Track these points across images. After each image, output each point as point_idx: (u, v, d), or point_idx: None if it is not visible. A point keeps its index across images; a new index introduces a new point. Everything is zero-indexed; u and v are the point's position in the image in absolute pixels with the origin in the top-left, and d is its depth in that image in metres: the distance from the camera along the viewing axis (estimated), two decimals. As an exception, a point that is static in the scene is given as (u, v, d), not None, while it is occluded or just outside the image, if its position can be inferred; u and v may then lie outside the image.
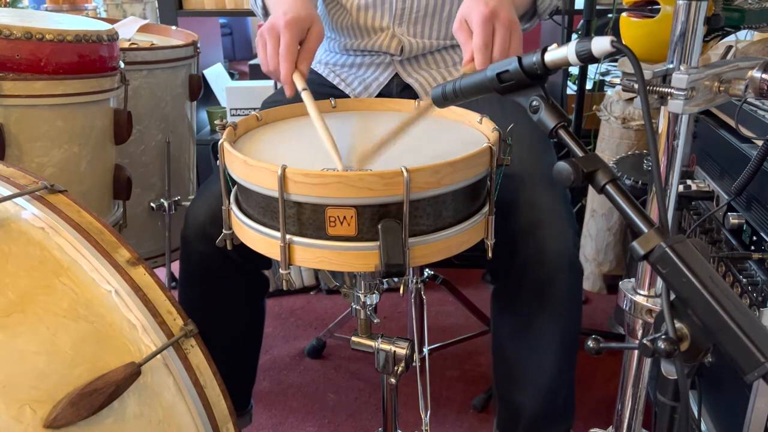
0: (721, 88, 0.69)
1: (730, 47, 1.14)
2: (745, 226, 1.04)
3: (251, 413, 1.37)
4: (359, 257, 0.73)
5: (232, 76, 2.75)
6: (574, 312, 1.03)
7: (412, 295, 1.33)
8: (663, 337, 0.57)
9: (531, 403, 1.07)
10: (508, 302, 1.07)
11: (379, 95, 1.27)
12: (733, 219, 1.04)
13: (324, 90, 1.28)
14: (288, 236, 0.74)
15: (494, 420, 1.16)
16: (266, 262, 1.18)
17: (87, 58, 1.05)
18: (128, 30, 1.49)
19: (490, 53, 0.90)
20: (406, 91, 1.26)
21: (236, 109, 2.12)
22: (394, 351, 0.90)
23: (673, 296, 0.57)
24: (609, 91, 1.93)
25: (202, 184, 1.18)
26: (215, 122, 1.14)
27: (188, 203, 1.50)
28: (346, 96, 1.27)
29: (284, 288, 0.78)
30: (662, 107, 0.72)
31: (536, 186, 1.00)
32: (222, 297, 1.14)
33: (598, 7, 1.87)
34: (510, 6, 0.93)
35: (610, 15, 1.93)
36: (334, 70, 1.30)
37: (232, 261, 1.06)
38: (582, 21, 1.87)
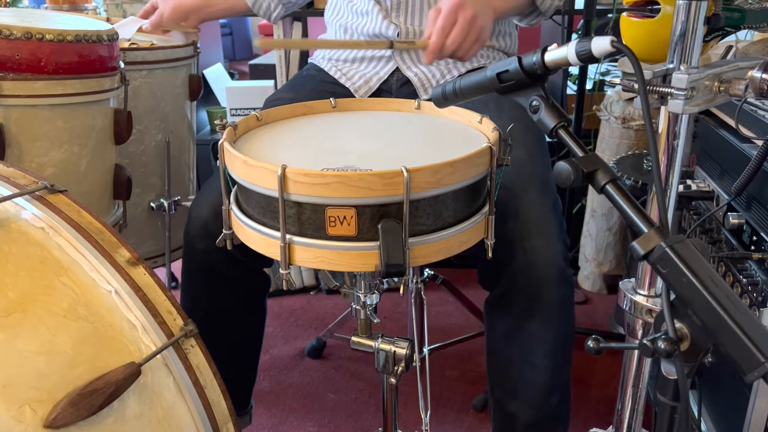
0: (721, 88, 0.69)
1: (730, 47, 1.14)
2: (745, 226, 1.04)
3: (251, 413, 1.36)
4: (359, 257, 0.73)
5: (232, 76, 2.75)
6: (565, 318, 1.03)
7: (412, 295, 1.33)
8: (663, 337, 0.57)
9: (525, 409, 1.06)
10: (499, 308, 1.07)
11: (378, 90, 1.27)
12: (733, 219, 1.04)
13: (326, 86, 1.29)
14: (288, 236, 0.74)
15: (491, 427, 1.16)
16: (268, 259, 1.18)
17: (87, 58, 1.05)
18: (128, 30, 1.49)
19: (445, 38, 1.01)
20: (406, 87, 1.26)
21: (236, 109, 2.12)
22: (394, 351, 0.90)
23: (673, 296, 0.57)
24: (609, 91, 1.93)
25: (204, 182, 1.18)
26: (215, 122, 1.14)
27: (188, 203, 1.50)
28: (346, 90, 1.27)
29: (284, 288, 0.78)
30: (662, 107, 0.72)
31: (526, 196, 1.00)
32: (224, 294, 1.14)
33: (598, 7, 1.87)
34: (483, 9, 1.03)
35: (610, 15, 1.93)
36: (336, 65, 1.32)
37: (234, 258, 1.06)
38: (582, 21, 1.88)
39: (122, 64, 1.18)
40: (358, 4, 1.29)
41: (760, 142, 0.98)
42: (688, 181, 1.21)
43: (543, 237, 0.97)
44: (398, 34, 1.23)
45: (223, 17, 1.61)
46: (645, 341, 0.58)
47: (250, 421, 1.37)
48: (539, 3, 1.23)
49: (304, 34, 2.08)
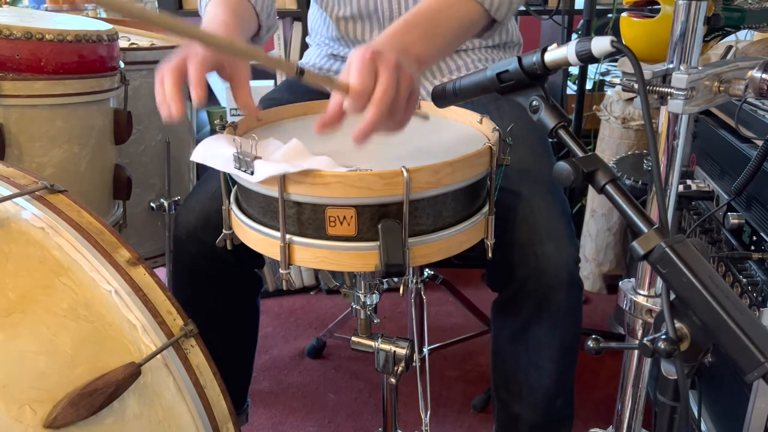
0: (721, 88, 0.69)
1: (730, 47, 1.14)
2: (745, 226, 1.04)
3: (248, 412, 1.36)
4: (359, 257, 0.73)
5: (232, 76, 2.74)
6: (572, 322, 1.03)
7: (412, 295, 1.33)
8: (663, 337, 0.57)
9: (529, 410, 1.06)
10: (506, 310, 1.07)
11: None
12: (733, 219, 1.04)
13: (317, 94, 1.27)
14: (288, 236, 0.74)
15: (493, 426, 1.16)
16: (258, 261, 1.17)
17: (87, 58, 1.05)
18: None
19: (367, 98, 0.71)
20: None
21: (236, 109, 2.12)
22: (394, 351, 0.90)
23: (673, 296, 0.57)
24: (609, 91, 1.93)
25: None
26: (215, 122, 1.14)
27: (187, 203, 1.50)
28: None
29: (284, 288, 0.78)
30: (662, 107, 0.72)
31: (536, 199, 0.99)
32: (214, 297, 1.14)
33: (598, 7, 1.87)
34: (403, 54, 0.75)
35: (610, 15, 1.93)
36: (327, 76, 1.29)
37: (223, 261, 1.06)
38: (582, 21, 1.87)
39: (122, 64, 1.18)
40: (338, 34, 1.21)
41: (760, 142, 0.98)
42: (688, 181, 1.21)
43: (554, 242, 0.97)
44: None
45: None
46: (645, 341, 0.58)
47: (247, 419, 1.37)
48: (495, 13, 0.96)
49: (304, 34, 2.08)
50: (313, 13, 1.31)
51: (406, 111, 0.74)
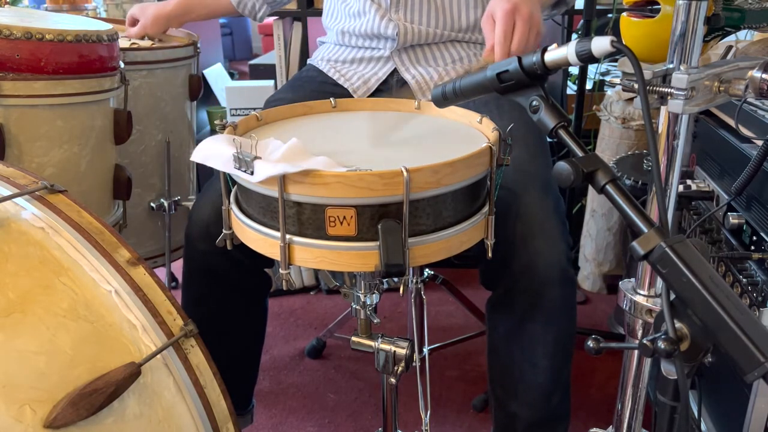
0: (721, 88, 0.69)
1: (730, 47, 1.14)
2: (745, 226, 1.04)
3: (253, 413, 1.37)
4: (359, 257, 0.73)
5: (232, 76, 2.75)
6: (566, 318, 1.03)
7: (412, 295, 1.33)
8: (663, 337, 0.57)
9: (525, 409, 1.07)
10: (500, 308, 1.07)
11: (377, 91, 1.27)
12: (733, 219, 1.04)
13: (326, 87, 1.28)
14: (288, 236, 0.74)
15: (491, 426, 1.16)
16: (269, 260, 1.18)
17: (87, 58, 1.05)
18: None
19: (509, 45, 0.95)
20: (405, 88, 1.26)
21: (236, 109, 2.12)
22: (394, 351, 0.90)
23: (673, 296, 0.57)
24: (609, 91, 1.93)
25: (205, 183, 1.19)
26: (215, 122, 1.14)
27: (188, 203, 1.50)
28: (346, 91, 1.27)
29: (284, 288, 0.78)
30: (662, 107, 0.72)
31: (529, 197, 0.99)
32: (225, 295, 1.14)
33: (598, 7, 1.87)
34: (533, 3, 0.97)
35: (610, 15, 1.93)
36: (335, 66, 1.31)
37: (234, 259, 1.06)
38: (582, 21, 1.88)
39: (122, 64, 1.18)
40: (353, 5, 1.28)
41: (760, 142, 0.98)
42: (688, 181, 1.21)
43: (545, 238, 0.97)
44: (397, 33, 1.23)
45: (206, 19, 1.62)
46: (645, 341, 0.58)
47: (252, 420, 1.37)
48: None
49: (304, 34, 2.08)
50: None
51: (533, 46, 0.97)
